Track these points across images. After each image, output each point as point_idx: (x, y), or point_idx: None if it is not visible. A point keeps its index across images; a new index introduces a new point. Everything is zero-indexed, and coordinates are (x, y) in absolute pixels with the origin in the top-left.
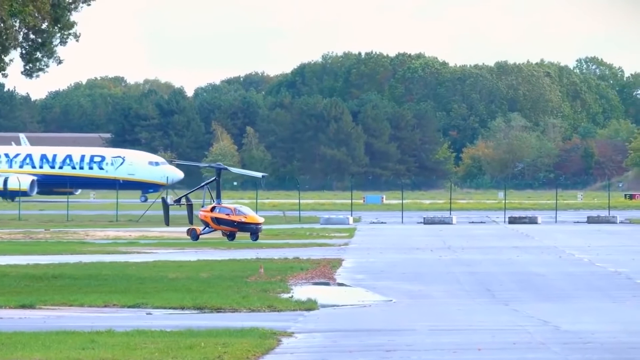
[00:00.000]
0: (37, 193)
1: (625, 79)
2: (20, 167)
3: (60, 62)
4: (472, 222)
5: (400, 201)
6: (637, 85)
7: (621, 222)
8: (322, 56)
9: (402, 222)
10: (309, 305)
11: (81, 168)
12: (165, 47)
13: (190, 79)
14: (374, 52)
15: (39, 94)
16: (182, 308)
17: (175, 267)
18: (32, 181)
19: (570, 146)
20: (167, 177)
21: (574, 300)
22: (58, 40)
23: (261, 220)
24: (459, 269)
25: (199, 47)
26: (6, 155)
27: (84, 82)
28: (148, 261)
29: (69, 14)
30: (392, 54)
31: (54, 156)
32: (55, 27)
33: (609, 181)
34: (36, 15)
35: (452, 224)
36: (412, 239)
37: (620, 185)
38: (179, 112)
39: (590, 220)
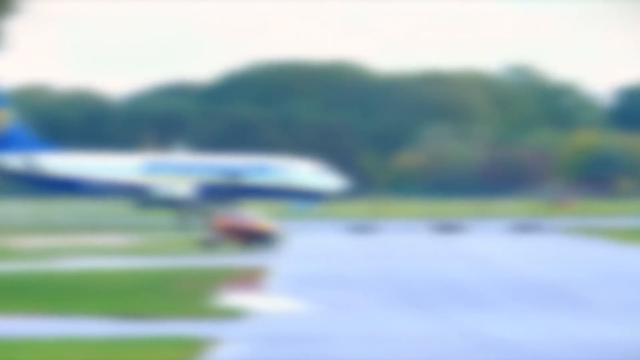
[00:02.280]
0: None
1: (552, 87)
2: None
3: None
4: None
5: (328, 209)
6: (563, 93)
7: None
8: (249, 63)
9: (333, 231)
10: (237, 313)
11: None
12: (91, 54)
13: (116, 86)
14: (301, 59)
15: None
16: (108, 315)
17: (102, 275)
18: None
19: (496, 154)
20: None
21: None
22: None
23: (276, 228)
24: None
25: (124, 53)
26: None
27: (9, 91)
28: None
29: None
30: (320, 61)
31: None
32: None
33: (535, 190)
34: None
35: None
36: (343, 248)
37: (548, 194)
38: (105, 121)
39: (518, 229)
